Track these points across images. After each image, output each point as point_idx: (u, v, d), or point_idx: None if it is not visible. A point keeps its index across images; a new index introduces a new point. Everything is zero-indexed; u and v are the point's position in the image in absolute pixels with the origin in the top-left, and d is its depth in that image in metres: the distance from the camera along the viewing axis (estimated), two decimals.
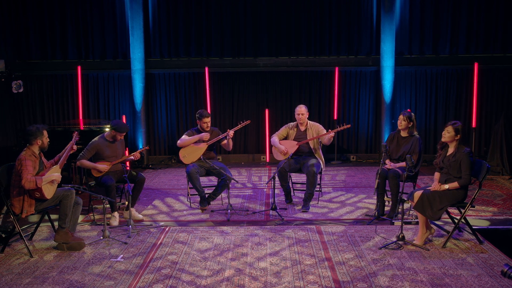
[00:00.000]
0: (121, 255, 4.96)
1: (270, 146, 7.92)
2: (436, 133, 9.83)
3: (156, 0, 9.73)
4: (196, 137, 6.57)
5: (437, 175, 5.38)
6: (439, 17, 9.55)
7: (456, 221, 5.31)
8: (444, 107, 9.81)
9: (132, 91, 9.77)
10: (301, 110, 6.65)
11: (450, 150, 5.23)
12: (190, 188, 6.81)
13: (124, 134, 6.24)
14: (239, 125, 6.75)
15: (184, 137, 6.65)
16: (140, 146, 9.63)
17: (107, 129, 6.20)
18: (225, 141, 6.62)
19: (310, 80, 9.95)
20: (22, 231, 5.09)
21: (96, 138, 6.19)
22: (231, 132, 6.53)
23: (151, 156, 10.14)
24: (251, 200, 7.10)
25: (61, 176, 5.19)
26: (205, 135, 6.57)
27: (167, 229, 5.77)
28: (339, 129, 6.52)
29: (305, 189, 6.68)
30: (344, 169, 9.23)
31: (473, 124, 9.48)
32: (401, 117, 6.07)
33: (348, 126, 6.62)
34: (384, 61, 9.54)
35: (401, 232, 5.11)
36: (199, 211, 6.56)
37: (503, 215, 6.22)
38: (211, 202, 6.70)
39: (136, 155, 6.24)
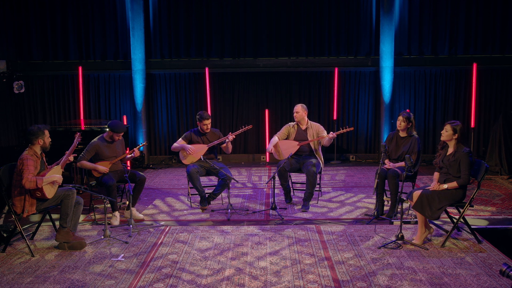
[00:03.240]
0: (122, 255, 4.98)
1: None
2: (435, 133, 9.85)
3: (157, 1, 9.76)
4: (185, 146, 6.60)
5: (436, 175, 5.40)
6: (438, 18, 9.57)
7: (455, 220, 5.33)
8: (443, 107, 9.83)
9: (133, 91, 9.80)
10: (296, 109, 6.73)
11: (450, 149, 5.25)
12: (190, 188, 6.84)
13: (122, 134, 6.25)
14: (241, 130, 6.77)
15: (179, 140, 6.72)
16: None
17: (107, 129, 6.24)
18: (225, 144, 6.65)
19: (310, 80, 9.98)
20: (23, 231, 5.12)
21: (95, 139, 6.21)
22: (231, 136, 6.56)
23: (152, 156, 10.17)
24: (251, 200, 7.13)
25: (62, 178, 5.21)
26: (191, 149, 6.58)
27: (167, 228, 5.80)
28: (341, 131, 6.55)
29: (304, 188, 6.71)
30: (343, 169, 9.26)
31: (472, 124, 9.50)
32: (400, 118, 6.09)
33: (351, 129, 6.66)
34: (383, 61, 9.56)
35: (400, 232, 5.14)
36: (200, 210, 6.60)
37: (502, 215, 6.24)
38: (211, 202, 6.73)
39: (135, 152, 6.27)
